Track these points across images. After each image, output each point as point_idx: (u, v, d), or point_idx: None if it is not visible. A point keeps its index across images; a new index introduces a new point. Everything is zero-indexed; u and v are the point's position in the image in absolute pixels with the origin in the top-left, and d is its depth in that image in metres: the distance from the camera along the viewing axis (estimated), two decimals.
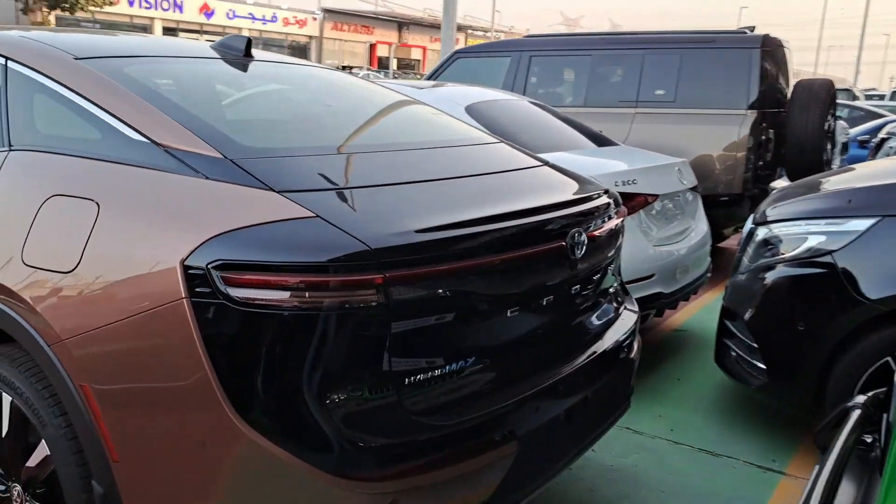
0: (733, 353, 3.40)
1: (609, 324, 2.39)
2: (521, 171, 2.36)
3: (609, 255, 2.38)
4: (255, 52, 2.58)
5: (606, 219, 2.33)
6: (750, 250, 3.41)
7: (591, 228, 2.18)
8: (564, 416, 2.05)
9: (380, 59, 43.47)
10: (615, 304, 2.50)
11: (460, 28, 45.16)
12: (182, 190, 1.75)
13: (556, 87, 6.92)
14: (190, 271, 1.58)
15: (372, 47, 44.04)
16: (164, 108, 1.93)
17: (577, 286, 2.14)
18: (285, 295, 1.54)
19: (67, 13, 27.35)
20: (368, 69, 36.20)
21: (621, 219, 2.47)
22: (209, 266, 1.57)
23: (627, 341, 2.43)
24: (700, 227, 4.51)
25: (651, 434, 3.32)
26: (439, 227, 1.72)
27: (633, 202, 3.84)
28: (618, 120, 6.23)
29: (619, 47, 6.54)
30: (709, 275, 4.53)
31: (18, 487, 1.97)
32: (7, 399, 1.92)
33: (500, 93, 4.90)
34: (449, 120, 2.76)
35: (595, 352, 2.22)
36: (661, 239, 4.02)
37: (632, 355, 2.45)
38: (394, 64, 42.28)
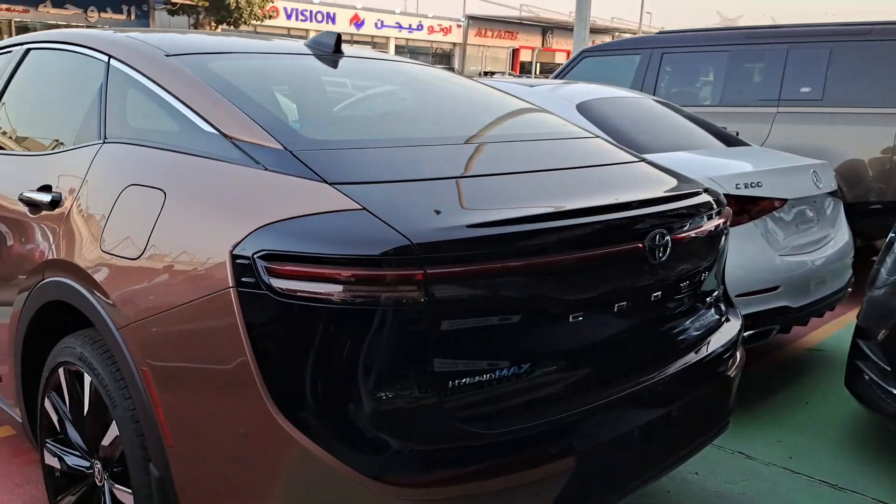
0: (866, 377, 3.03)
1: (702, 336, 2.18)
2: (607, 167, 2.20)
3: (705, 260, 2.17)
4: (344, 48, 2.59)
5: (702, 220, 2.12)
6: (889, 262, 3.04)
7: (678, 230, 1.99)
8: (639, 432, 1.88)
9: (522, 63, 43.41)
10: (712, 315, 2.28)
11: (606, 30, 44.24)
12: (241, 180, 1.76)
13: (689, 86, 6.55)
14: (237, 261, 1.58)
15: (515, 52, 44.07)
16: (238, 102, 1.95)
17: (660, 293, 1.96)
18: (323, 287, 1.50)
19: (232, 27, 29.43)
20: (510, 74, 36.25)
21: (722, 221, 2.25)
22: (254, 256, 1.56)
23: (725, 356, 2.20)
24: (840, 236, 4.09)
25: (766, 460, 3.02)
26: (492, 223, 1.62)
27: (756, 207, 3.54)
28: (757, 120, 5.80)
29: (759, 42, 6.09)
30: (849, 290, 4.09)
31: (99, 465, 2.06)
32: (87, 379, 2.01)
33: (618, 90, 4.68)
34: (540, 114, 2.64)
35: (681, 365, 2.03)
36: (790, 248, 3.67)
37: (730, 372, 2.23)
38: (537, 69, 42.09)
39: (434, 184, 1.80)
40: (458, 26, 42.85)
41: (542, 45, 45.74)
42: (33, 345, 2.26)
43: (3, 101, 2.71)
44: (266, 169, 1.74)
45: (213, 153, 1.85)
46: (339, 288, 1.50)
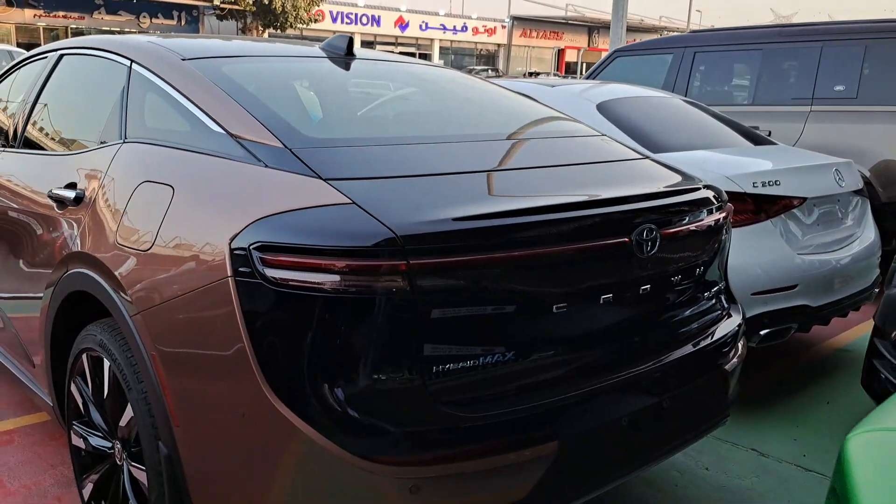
0: (882, 376, 3.01)
1: (697, 330, 2.21)
2: (603, 164, 2.25)
3: (700, 255, 2.20)
4: (357, 50, 2.69)
5: (697, 216, 2.15)
6: None
7: (669, 225, 2.03)
8: (628, 421, 1.92)
9: (568, 64, 43.16)
10: (709, 309, 2.30)
11: (655, 29, 43.72)
12: (243, 177, 1.87)
13: (721, 85, 6.49)
14: (235, 251, 1.69)
15: (560, 53, 43.84)
16: (244, 102, 2.06)
17: (648, 286, 2.00)
18: (312, 276, 1.59)
19: (279, 31, 29.98)
20: (555, 74, 36.06)
21: (721, 216, 2.27)
22: (250, 247, 1.66)
23: (722, 349, 2.23)
24: (866, 235, 4.03)
25: (779, 457, 3.02)
26: (475, 217, 1.69)
27: (774, 205, 3.52)
28: (790, 119, 5.73)
29: (792, 40, 6.01)
30: (876, 290, 4.03)
31: (119, 445, 2.19)
32: (107, 364, 2.14)
33: (642, 90, 4.68)
34: (544, 113, 2.69)
35: (674, 357, 2.07)
36: (812, 246, 3.64)
37: (727, 365, 2.25)
38: (583, 69, 41.81)
39: (426, 179, 1.88)
40: (503, 27, 42.83)
41: (588, 44, 45.41)
42: (61, 333, 2.41)
43: (39, 103, 2.89)
44: (266, 166, 1.84)
45: (219, 151, 1.96)
46: (327, 277, 1.59)
